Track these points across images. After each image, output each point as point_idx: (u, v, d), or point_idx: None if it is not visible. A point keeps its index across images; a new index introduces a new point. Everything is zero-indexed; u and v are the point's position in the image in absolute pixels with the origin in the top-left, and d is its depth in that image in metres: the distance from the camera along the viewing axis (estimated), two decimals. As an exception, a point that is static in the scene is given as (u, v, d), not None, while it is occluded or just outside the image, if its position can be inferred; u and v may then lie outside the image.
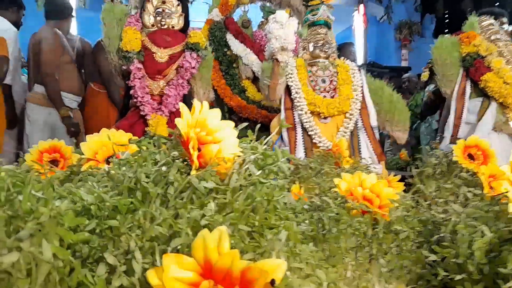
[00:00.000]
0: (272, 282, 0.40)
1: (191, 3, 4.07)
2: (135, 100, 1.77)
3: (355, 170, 1.35)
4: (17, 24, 2.55)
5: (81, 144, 1.17)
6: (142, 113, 1.77)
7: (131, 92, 1.78)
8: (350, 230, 0.75)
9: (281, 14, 1.81)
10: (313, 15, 2.08)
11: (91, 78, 2.73)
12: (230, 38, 2.95)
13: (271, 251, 0.54)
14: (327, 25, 2.10)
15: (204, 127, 0.74)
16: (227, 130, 0.75)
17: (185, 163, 0.72)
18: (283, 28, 1.82)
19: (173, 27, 1.86)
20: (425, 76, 4.29)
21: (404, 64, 7.17)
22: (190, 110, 0.70)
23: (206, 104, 0.74)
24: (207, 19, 2.97)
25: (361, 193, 0.93)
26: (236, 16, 3.13)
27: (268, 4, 3.17)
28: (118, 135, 1.17)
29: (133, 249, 0.50)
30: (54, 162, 1.31)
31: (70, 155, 1.31)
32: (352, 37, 6.86)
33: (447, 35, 2.32)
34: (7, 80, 2.40)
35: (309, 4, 2.07)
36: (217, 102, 2.94)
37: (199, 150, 0.71)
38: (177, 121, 0.68)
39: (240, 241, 0.56)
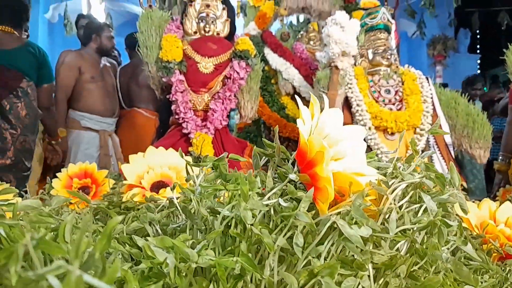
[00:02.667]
0: None
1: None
2: (176, 116, 1.54)
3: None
4: None
5: (123, 166, 0.93)
6: (184, 131, 1.54)
7: (173, 107, 1.55)
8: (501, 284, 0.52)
9: (342, 15, 1.58)
10: (371, 19, 1.84)
11: (136, 103, 2.61)
12: (268, 52, 2.75)
13: None
14: (387, 29, 1.85)
15: (324, 136, 0.48)
16: (355, 141, 0.49)
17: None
18: (344, 31, 1.58)
19: (218, 33, 1.64)
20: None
21: (438, 80, 6.86)
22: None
23: (326, 100, 0.49)
24: (243, 34, 2.78)
25: (498, 229, 0.68)
26: (274, 29, 2.93)
27: (308, 16, 2.96)
28: (169, 156, 0.93)
29: None
30: (85, 189, 1.08)
31: (103, 180, 1.08)
32: (383, 54, 6.61)
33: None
34: None
35: (367, 7, 1.83)
36: (254, 120, 2.72)
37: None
38: (299, 123, 0.43)
39: None
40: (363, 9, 1.85)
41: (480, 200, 0.71)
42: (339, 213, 0.38)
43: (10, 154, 1.84)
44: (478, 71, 7.56)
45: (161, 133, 1.68)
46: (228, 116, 1.67)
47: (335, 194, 0.43)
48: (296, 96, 0.45)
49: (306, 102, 1.69)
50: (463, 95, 1.80)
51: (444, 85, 5.98)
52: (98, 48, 2.42)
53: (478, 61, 7.62)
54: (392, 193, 0.41)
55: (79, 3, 5.74)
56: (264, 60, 2.74)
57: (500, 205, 0.71)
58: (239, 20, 3.08)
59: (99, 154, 2.38)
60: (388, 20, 1.85)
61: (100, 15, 5.43)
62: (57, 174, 1.05)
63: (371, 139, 1.68)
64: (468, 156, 1.83)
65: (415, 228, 0.40)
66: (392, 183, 0.44)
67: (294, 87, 2.72)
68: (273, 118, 2.75)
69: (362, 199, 0.39)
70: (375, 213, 0.41)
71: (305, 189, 0.46)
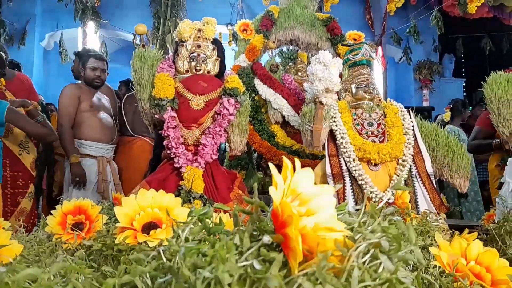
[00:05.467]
0: None
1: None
2: (168, 151, 1.60)
3: (425, 230, 1.12)
4: None
5: (116, 209, 0.99)
6: (176, 165, 1.60)
7: (165, 142, 1.61)
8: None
9: (325, 54, 1.67)
10: (354, 55, 1.94)
11: (142, 131, 2.68)
12: (258, 83, 2.85)
13: None
14: (369, 64, 1.95)
15: (296, 195, 0.54)
16: (325, 198, 0.56)
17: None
18: (328, 69, 1.67)
19: (208, 72, 1.72)
20: (446, 116, 4.10)
21: (425, 104, 7.03)
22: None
23: (298, 163, 0.55)
24: (233, 65, 2.88)
25: (469, 266, 0.73)
26: (264, 60, 3.04)
27: (296, 48, 3.08)
28: (159, 197, 0.99)
29: None
30: (79, 226, 1.13)
31: (97, 217, 1.13)
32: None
33: (500, 71, 2.14)
34: None
35: (350, 44, 1.93)
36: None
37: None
38: (271, 191, 0.49)
39: None
40: (347, 45, 1.95)
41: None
42: (306, 273, 0.44)
43: None
44: (464, 94, 7.77)
45: (153, 166, 1.74)
46: (218, 150, 1.74)
47: (306, 252, 0.49)
48: (271, 164, 0.51)
49: (295, 130, 1.78)
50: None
51: (431, 109, 6.07)
52: (84, 80, 2.52)
53: (464, 85, 7.84)
54: (355, 250, 0.47)
55: (75, 32, 5.85)
56: (254, 90, 2.84)
57: (470, 242, 0.76)
58: (231, 51, 3.19)
59: (98, 179, 2.43)
60: (370, 56, 1.95)
61: (95, 44, 5.55)
62: (52, 211, 1.10)
63: (355, 170, 1.75)
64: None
65: (375, 283, 0.45)
66: (358, 238, 0.50)
67: (283, 116, 2.81)
68: (264, 146, 2.82)
69: (326, 259, 0.45)
70: (341, 269, 0.47)
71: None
